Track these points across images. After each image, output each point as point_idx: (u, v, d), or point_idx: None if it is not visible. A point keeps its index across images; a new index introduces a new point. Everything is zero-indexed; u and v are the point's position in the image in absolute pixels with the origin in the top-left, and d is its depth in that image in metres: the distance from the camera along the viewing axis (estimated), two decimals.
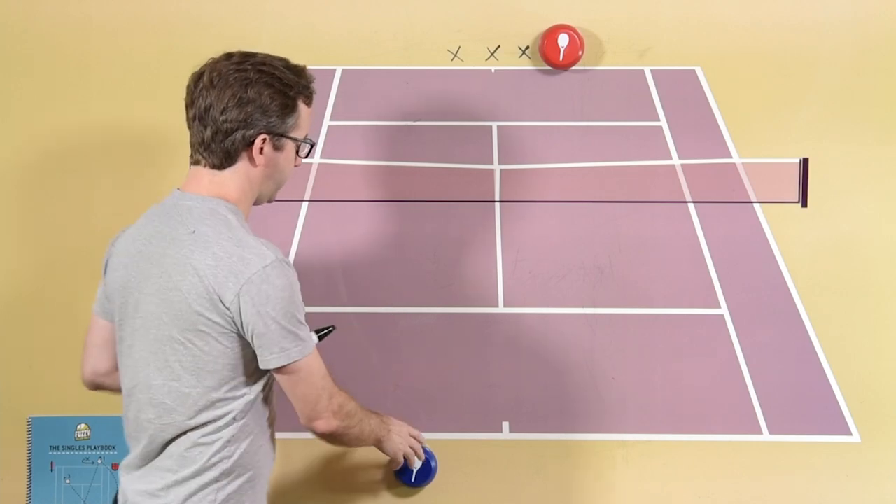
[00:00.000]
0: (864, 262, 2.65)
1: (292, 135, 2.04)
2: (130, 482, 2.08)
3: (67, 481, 2.69)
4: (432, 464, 2.59)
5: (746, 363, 2.65)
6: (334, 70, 2.63)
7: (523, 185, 2.65)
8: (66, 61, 2.64)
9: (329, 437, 2.10)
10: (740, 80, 2.62)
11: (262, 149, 2.00)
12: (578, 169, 2.65)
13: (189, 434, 2.01)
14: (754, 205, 2.64)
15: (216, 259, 1.92)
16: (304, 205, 2.65)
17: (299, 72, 2.05)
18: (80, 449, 2.69)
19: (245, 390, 2.02)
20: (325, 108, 2.63)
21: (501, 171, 2.65)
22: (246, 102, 1.97)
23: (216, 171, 2.02)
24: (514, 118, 2.65)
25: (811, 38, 2.62)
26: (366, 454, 2.57)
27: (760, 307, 2.65)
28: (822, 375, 2.65)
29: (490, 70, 2.66)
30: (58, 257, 2.67)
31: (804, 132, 2.64)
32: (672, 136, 2.64)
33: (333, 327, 2.28)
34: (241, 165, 2.01)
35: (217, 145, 1.99)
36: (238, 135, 1.98)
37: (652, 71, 2.64)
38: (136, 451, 2.08)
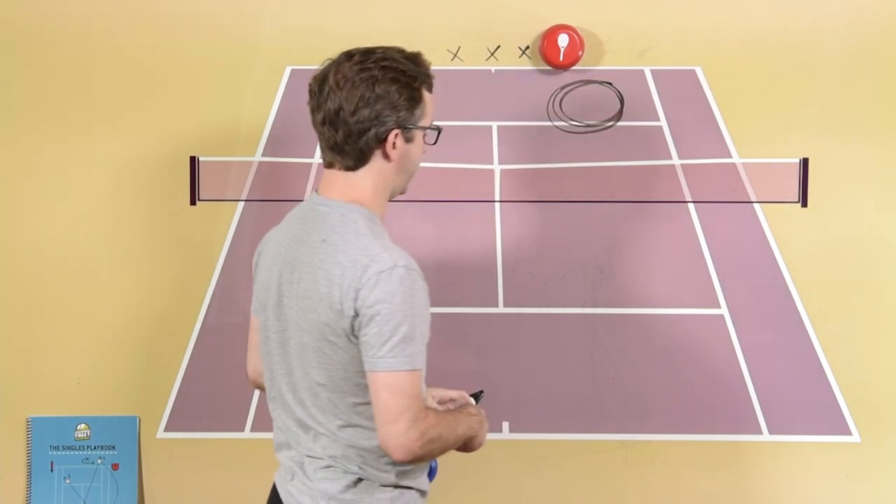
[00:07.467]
0: (864, 262, 2.65)
1: (421, 124, 2.04)
2: None
3: (67, 481, 2.69)
4: (432, 464, 2.59)
5: (746, 363, 2.65)
6: None
7: (523, 185, 2.65)
8: (66, 61, 2.64)
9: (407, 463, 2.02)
10: (740, 80, 2.62)
11: (394, 143, 2.00)
12: (578, 169, 2.65)
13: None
14: (754, 205, 2.64)
15: (342, 268, 1.93)
16: None
17: (418, 61, 2.04)
18: (80, 449, 2.69)
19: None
20: None
21: (501, 171, 2.66)
22: (375, 101, 1.96)
23: (350, 173, 2.02)
24: (514, 118, 2.65)
25: (811, 39, 2.62)
26: None
27: (760, 307, 2.65)
28: (822, 375, 2.65)
29: (490, 70, 2.65)
30: (58, 257, 2.67)
31: (804, 132, 2.63)
32: (672, 136, 2.64)
33: (482, 392, 2.27)
34: (375, 163, 2.01)
35: (351, 147, 1.99)
36: (371, 133, 1.98)
37: (652, 71, 2.64)
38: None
